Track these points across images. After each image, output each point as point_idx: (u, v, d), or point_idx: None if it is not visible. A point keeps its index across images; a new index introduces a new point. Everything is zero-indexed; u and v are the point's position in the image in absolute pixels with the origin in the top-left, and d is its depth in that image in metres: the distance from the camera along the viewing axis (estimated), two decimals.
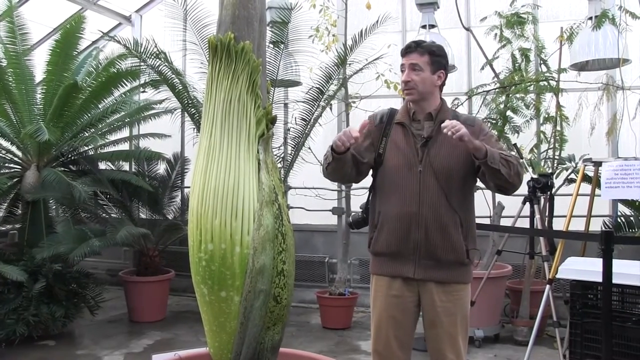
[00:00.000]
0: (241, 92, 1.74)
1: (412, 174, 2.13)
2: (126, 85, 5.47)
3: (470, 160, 2.11)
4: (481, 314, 4.13)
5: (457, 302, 2.15)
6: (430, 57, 2.15)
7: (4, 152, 5.18)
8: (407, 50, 2.18)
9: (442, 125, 1.98)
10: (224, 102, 1.74)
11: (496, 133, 4.48)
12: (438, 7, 4.85)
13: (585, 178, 3.97)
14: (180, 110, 5.52)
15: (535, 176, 4.10)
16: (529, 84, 4.49)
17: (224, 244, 1.66)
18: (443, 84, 2.23)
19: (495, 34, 4.68)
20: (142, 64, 5.03)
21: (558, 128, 4.52)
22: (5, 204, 5.18)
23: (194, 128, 5.23)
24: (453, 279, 2.15)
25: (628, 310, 2.93)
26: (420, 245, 2.10)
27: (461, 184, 2.15)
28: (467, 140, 1.95)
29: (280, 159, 5.15)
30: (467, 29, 5.09)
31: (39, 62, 5.33)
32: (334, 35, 5.04)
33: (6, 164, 5.20)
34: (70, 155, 5.42)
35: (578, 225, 3.95)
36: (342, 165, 2.12)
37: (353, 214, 2.40)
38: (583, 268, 3.09)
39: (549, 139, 4.62)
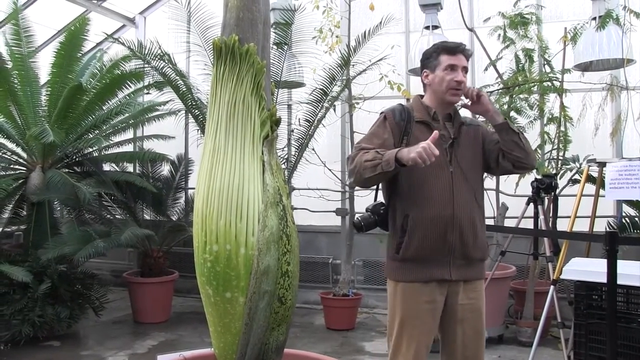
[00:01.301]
0: (245, 94, 1.74)
1: (443, 175, 2.10)
2: (130, 87, 5.49)
3: (484, 159, 2.22)
4: (485, 315, 4.11)
5: (479, 297, 2.20)
6: (467, 63, 2.22)
7: (9, 153, 5.21)
8: (462, 52, 2.18)
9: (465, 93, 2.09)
10: (228, 104, 1.74)
11: None
12: (441, 8, 4.85)
13: (590, 179, 3.96)
14: (184, 111, 5.54)
15: (539, 177, 4.09)
16: (532, 84, 4.48)
17: (229, 245, 1.67)
18: None
19: (499, 35, 4.68)
20: (146, 65, 5.05)
21: (562, 128, 4.52)
22: (11, 206, 5.21)
23: (197, 129, 5.24)
24: (477, 275, 2.20)
25: (633, 311, 2.92)
26: (455, 247, 2.10)
27: (482, 183, 2.23)
28: (487, 102, 2.09)
29: (284, 160, 5.16)
30: (471, 30, 5.08)
31: (43, 64, 5.36)
32: (337, 37, 5.04)
33: (11, 166, 5.23)
34: (74, 157, 5.45)
35: (582, 226, 3.95)
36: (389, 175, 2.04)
37: (361, 215, 2.25)
38: (587, 269, 3.08)
39: (552, 140, 4.61)
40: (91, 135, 5.35)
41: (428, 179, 2.09)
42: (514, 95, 4.52)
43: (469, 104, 2.20)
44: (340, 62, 4.82)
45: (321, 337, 4.69)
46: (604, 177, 3.43)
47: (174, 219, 5.80)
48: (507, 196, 4.68)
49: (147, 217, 5.82)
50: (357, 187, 5.10)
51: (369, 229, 2.25)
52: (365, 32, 4.71)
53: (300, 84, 5.25)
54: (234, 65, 1.75)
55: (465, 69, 2.17)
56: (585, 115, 4.61)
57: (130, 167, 6.20)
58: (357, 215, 2.27)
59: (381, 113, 2.22)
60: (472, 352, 2.18)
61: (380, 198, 2.32)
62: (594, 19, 4.22)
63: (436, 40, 4.57)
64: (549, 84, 4.54)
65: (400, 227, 2.12)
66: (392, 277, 2.20)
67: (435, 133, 1.94)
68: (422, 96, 2.28)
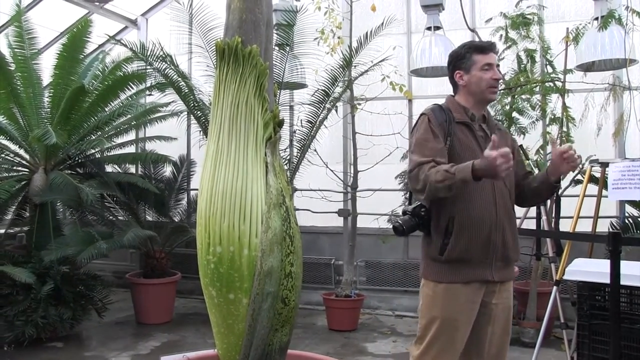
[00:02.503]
0: (248, 96, 1.75)
1: None
2: (132, 88, 5.49)
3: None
4: None
5: (510, 297, 2.23)
6: None
7: (12, 155, 5.22)
8: (493, 50, 2.20)
9: (569, 152, 2.07)
10: (231, 105, 1.75)
11: None
12: (443, 9, 4.84)
13: (592, 179, 3.95)
14: (186, 113, 5.54)
15: None
16: (534, 85, 4.48)
17: (232, 246, 1.67)
18: None
19: (501, 35, 4.67)
20: (148, 67, 5.06)
21: (564, 129, 4.50)
22: (14, 207, 5.21)
23: (200, 131, 5.25)
24: (512, 276, 2.23)
25: (636, 312, 2.91)
26: (498, 248, 2.11)
27: (514, 187, 2.24)
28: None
29: (286, 161, 5.17)
30: (472, 30, 5.08)
31: (46, 66, 5.37)
32: (339, 38, 5.05)
33: (14, 167, 5.23)
34: (77, 158, 5.46)
35: (585, 227, 3.94)
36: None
37: (402, 218, 2.18)
38: (590, 269, 3.07)
39: (555, 140, 4.60)
40: (93, 137, 5.35)
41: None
42: (516, 96, 4.52)
43: (564, 158, 2.11)
44: (342, 63, 4.82)
45: (323, 338, 4.68)
46: (607, 178, 3.42)
47: (176, 220, 5.81)
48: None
49: (149, 218, 5.83)
50: (358, 187, 5.12)
51: (410, 232, 2.19)
52: (367, 33, 4.71)
53: (302, 85, 5.25)
54: (236, 67, 1.75)
55: (498, 67, 2.19)
56: (587, 115, 4.61)
57: (132, 169, 6.21)
58: (397, 219, 2.20)
59: (422, 114, 2.19)
60: (497, 350, 2.20)
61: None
62: (596, 19, 4.21)
63: (438, 41, 4.64)
64: (551, 84, 4.54)
65: (445, 229, 2.11)
66: (432, 278, 2.17)
67: (494, 137, 1.89)
68: (452, 96, 2.27)
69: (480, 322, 2.18)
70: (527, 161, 4.25)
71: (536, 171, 4.37)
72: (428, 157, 2.04)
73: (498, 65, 2.20)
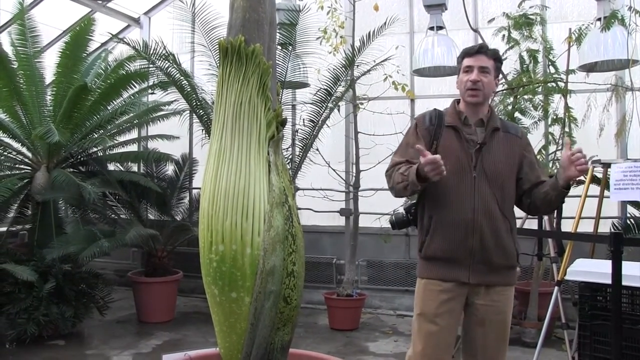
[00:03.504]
0: (252, 95, 1.75)
1: (466, 179, 2.13)
2: (135, 86, 5.50)
3: (516, 171, 2.21)
4: None
5: (505, 301, 2.21)
6: (494, 63, 2.21)
7: (14, 153, 5.23)
8: (477, 52, 2.21)
9: (577, 154, 1.97)
10: (234, 104, 1.75)
11: None
12: (446, 9, 4.84)
13: (594, 179, 3.95)
14: (188, 111, 5.55)
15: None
16: (537, 85, 4.47)
17: (235, 245, 1.68)
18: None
19: (503, 35, 4.67)
20: (150, 65, 5.05)
21: (566, 129, 4.50)
22: (16, 205, 5.22)
23: (202, 129, 5.25)
24: (503, 281, 2.20)
25: (638, 313, 2.91)
26: (475, 251, 2.12)
27: (510, 192, 2.21)
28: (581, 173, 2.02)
29: (289, 160, 5.17)
30: (475, 30, 5.08)
31: (49, 64, 5.38)
32: (341, 37, 5.05)
33: (16, 165, 5.25)
34: (79, 157, 5.46)
35: (587, 227, 3.94)
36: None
37: (396, 213, 2.35)
38: (592, 270, 3.07)
39: (557, 141, 4.60)
40: (96, 135, 5.36)
41: (452, 182, 2.12)
42: (519, 96, 4.51)
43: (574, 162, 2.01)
44: (344, 63, 4.83)
45: (325, 337, 4.69)
46: (609, 178, 3.41)
47: (178, 219, 5.81)
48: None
49: (151, 216, 5.83)
50: (360, 187, 5.12)
51: (401, 227, 2.35)
52: (369, 33, 4.71)
53: (304, 85, 5.25)
54: (240, 66, 1.76)
55: (482, 69, 2.17)
56: (589, 116, 4.60)
57: (134, 167, 6.22)
58: (392, 214, 2.37)
59: (414, 119, 2.30)
60: (491, 354, 2.20)
61: None
62: (599, 19, 4.20)
63: (441, 41, 4.65)
64: (554, 84, 4.53)
65: (425, 227, 2.20)
66: (418, 273, 2.28)
67: (429, 156, 1.96)
68: (459, 101, 2.31)
69: (470, 322, 2.21)
70: None
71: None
72: (404, 158, 2.16)
73: (483, 68, 2.17)
